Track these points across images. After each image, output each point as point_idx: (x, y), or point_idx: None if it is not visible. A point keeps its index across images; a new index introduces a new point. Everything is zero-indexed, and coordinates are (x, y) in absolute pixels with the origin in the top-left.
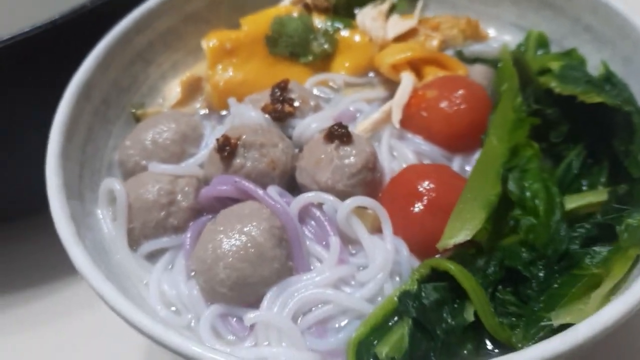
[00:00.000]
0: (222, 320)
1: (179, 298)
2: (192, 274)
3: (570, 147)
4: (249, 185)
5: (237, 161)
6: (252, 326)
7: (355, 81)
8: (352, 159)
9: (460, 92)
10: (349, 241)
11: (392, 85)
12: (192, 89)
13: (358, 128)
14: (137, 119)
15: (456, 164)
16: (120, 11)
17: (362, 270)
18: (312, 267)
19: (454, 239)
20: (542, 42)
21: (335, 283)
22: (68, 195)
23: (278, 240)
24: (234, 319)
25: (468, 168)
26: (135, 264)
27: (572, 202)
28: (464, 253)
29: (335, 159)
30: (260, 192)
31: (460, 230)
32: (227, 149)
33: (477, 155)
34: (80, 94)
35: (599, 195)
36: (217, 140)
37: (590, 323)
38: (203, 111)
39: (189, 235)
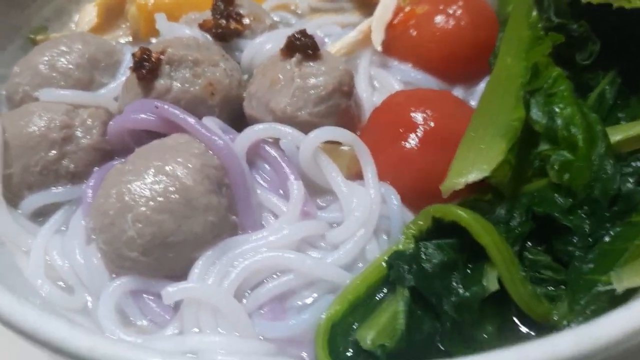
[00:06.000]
0: (134, 298)
1: (73, 270)
2: (93, 236)
3: (600, 75)
4: (174, 111)
5: (161, 82)
6: (176, 306)
7: (323, 5)
8: (320, 78)
9: (459, 4)
10: (317, 191)
11: (368, 10)
12: (113, 14)
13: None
14: None
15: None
16: None
17: (336, 227)
18: (265, 225)
19: (464, 177)
20: None
21: (297, 244)
22: None
23: (215, 185)
24: (151, 297)
25: (473, 103)
26: (14, 224)
27: (616, 134)
28: (477, 200)
29: (297, 78)
30: (192, 119)
31: (474, 165)
32: (146, 65)
33: (483, 85)
34: None
35: None
36: (133, 55)
37: None
38: (126, 40)
39: (91, 183)
